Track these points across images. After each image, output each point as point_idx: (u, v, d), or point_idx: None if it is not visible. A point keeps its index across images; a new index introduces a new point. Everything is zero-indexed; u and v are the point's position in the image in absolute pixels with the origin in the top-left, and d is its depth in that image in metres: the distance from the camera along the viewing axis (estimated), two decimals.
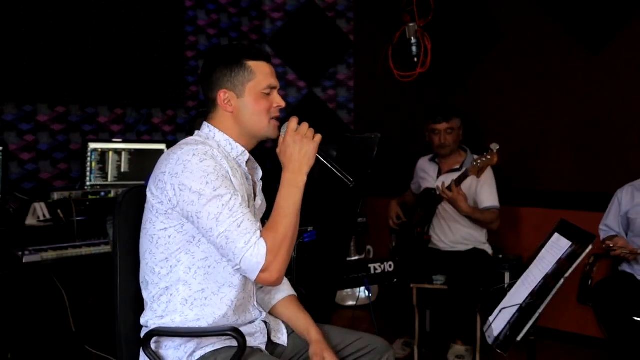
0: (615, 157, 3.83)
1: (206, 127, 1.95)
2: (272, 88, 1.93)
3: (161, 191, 1.81)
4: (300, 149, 1.84)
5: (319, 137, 1.87)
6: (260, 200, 2.01)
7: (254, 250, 1.72)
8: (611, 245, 3.05)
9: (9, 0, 3.68)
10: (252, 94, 1.91)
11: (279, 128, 1.94)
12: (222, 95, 1.91)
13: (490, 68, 4.37)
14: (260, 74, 1.91)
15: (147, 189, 1.88)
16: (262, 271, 1.73)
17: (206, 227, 1.76)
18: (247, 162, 1.97)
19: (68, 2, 3.90)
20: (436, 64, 4.22)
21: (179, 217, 1.81)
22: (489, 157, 3.50)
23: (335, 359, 1.92)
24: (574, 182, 4.01)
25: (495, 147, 3.48)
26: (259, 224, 1.79)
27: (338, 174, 1.93)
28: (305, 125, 1.87)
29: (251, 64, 1.91)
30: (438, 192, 3.68)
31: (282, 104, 1.95)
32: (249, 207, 1.90)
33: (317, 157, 1.88)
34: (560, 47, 4.03)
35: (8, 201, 3.37)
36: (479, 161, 3.52)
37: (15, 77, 3.72)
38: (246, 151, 1.95)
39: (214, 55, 1.97)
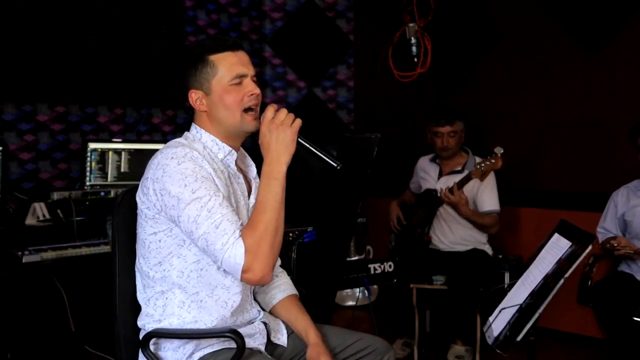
0: (615, 158, 3.83)
1: (194, 129, 1.94)
2: (242, 77, 1.85)
3: (146, 197, 1.81)
4: (277, 137, 1.76)
5: (298, 122, 1.79)
6: (254, 198, 1.95)
7: (231, 251, 1.68)
8: (615, 245, 3.05)
9: (9, 0, 3.67)
10: (219, 88, 1.84)
11: (258, 119, 1.85)
12: (193, 96, 1.88)
13: (490, 68, 4.36)
14: (223, 67, 1.84)
15: (137, 195, 1.87)
16: (244, 272, 1.69)
17: (188, 230, 1.74)
18: (238, 160, 1.95)
19: (68, 2, 3.89)
20: (436, 64, 4.22)
21: (167, 221, 1.80)
22: (492, 161, 3.48)
23: None
24: (574, 182, 4.01)
25: (499, 151, 3.46)
26: (240, 223, 1.75)
27: (323, 156, 1.85)
28: (282, 112, 1.79)
29: (213, 57, 1.85)
30: (439, 195, 3.68)
31: (256, 91, 1.86)
32: (239, 206, 1.89)
33: (300, 142, 1.81)
34: (560, 47, 4.03)
35: (8, 201, 3.36)
36: (482, 165, 3.51)
37: (15, 76, 3.72)
38: (234, 151, 1.91)
39: (180, 58, 1.94)
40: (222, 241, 1.69)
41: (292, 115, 1.80)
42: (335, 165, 1.85)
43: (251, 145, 2.12)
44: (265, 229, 1.71)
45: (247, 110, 1.86)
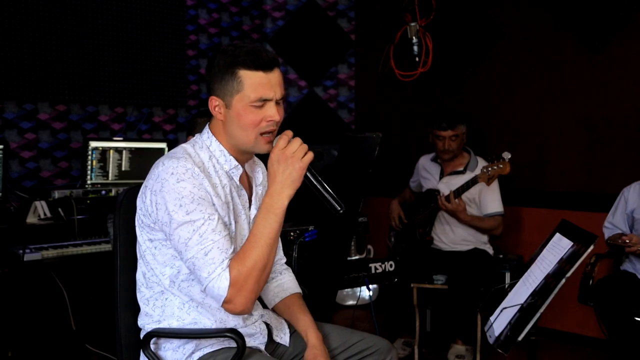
0: (617, 158, 3.83)
1: (206, 133, 1.89)
2: (265, 100, 1.77)
3: (144, 204, 1.80)
4: (284, 169, 1.72)
5: (309, 156, 1.74)
6: (255, 209, 1.94)
7: (215, 282, 1.67)
8: (627, 241, 3.02)
9: (10, 0, 3.68)
10: (239, 106, 1.77)
11: (272, 142, 1.79)
12: (213, 102, 1.82)
13: (491, 68, 4.36)
14: (249, 87, 1.75)
15: (138, 197, 1.85)
16: (225, 302, 1.69)
17: (177, 250, 1.74)
18: (246, 168, 1.93)
19: (69, 1, 3.89)
20: (437, 64, 4.22)
21: (161, 232, 1.79)
22: (500, 165, 3.46)
23: None
24: (576, 182, 4.01)
25: (507, 156, 3.43)
26: (231, 250, 1.71)
27: (327, 197, 1.79)
28: (295, 142, 1.74)
29: (242, 73, 1.75)
30: (442, 194, 3.69)
31: (275, 118, 1.78)
32: (240, 220, 1.88)
33: (307, 176, 1.77)
34: (561, 47, 4.02)
35: (9, 199, 3.37)
36: (489, 169, 3.49)
37: (16, 75, 3.72)
38: (240, 166, 1.87)
39: (214, 55, 1.84)
40: (209, 270, 1.68)
41: (304, 148, 1.74)
42: (338, 208, 1.80)
43: None
44: (254, 265, 1.69)
45: (263, 133, 1.80)
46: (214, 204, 1.76)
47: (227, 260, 1.69)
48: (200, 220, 1.70)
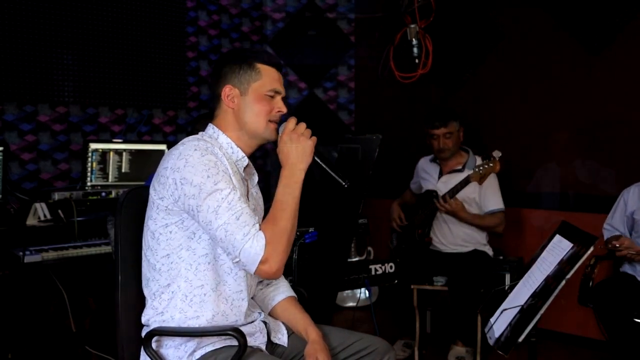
0: (617, 159, 3.83)
1: (210, 129, 1.98)
2: (277, 93, 1.97)
3: (163, 186, 1.84)
4: (297, 146, 1.88)
5: (314, 138, 1.91)
6: (252, 206, 2.00)
7: (252, 241, 1.74)
8: (617, 245, 3.05)
9: (11, 1, 3.68)
10: (255, 94, 1.94)
11: (277, 130, 1.96)
12: (227, 91, 1.95)
13: (491, 69, 4.37)
14: (266, 77, 1.95)
15: (151, 186, 1.90)
16: (261, 263, 1.74)
17: (206, 220, 1.78)
18: (245, 168, 1.99)
19: (70, 3, 3.90)
20: (437, 65, 4.21)
21: (180, 212, 1.83)
22: (491, 164, 3.51)
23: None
24: (576, 183, 4.01)
25: (497, 154, 3.49)
26: (257, 218, 1.82)
27: (333, 174, 1.96)
28: (302, 124, 1.91)
29: (260, 66, 1.96)
30: (437, 204, 3.70)
31: (284, 109, 1.98)
32: None
33: (313, 156, 1.92)
34: (561, 48, 4.03)
35: (9, 201, 3.37)
36: (481, 168, 3.53)
37: (16, 77, 3.72)
38: (246, 157, 1.98)
39: (226, 54, 2.03)
40: (244, 232, 1.75)
41: (310, 130, 1.92)
42: (343, 183, 1.97)
43: None
44: (285, 225, 1.80)
45: (270, 121, 1.96)
46: (232, 181, 1.86)
47: (258, 225, 1.78)
48: (227, 190, 1.79)
